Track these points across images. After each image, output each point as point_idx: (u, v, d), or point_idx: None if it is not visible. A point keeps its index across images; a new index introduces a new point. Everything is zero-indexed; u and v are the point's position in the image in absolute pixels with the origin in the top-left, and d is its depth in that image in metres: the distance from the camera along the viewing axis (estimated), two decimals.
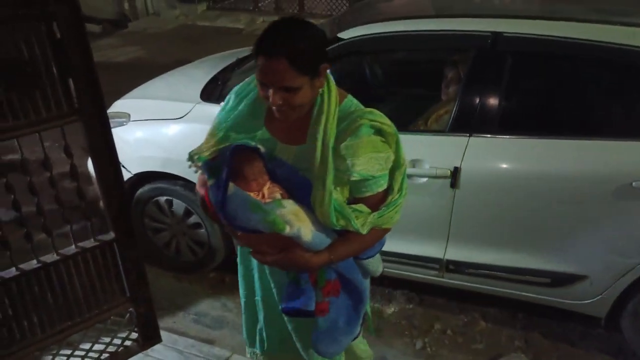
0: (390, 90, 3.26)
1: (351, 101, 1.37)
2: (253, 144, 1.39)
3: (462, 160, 2.22)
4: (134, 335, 1.84)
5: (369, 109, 1.33)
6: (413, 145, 2.33)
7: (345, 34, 2.45)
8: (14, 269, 1.50)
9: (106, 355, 1.81)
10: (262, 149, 1.38)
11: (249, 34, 8.04)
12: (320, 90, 1.29)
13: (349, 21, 2.66)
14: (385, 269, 2.57)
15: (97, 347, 1.81)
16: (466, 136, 2.24)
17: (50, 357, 1.75)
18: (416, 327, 2.60)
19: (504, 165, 2.24)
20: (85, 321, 1.66)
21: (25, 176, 1.45)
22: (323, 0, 8.86)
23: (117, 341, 1.83)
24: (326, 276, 1.44)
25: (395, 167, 1.36)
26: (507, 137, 2.25)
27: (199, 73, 3.22)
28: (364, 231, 1.33)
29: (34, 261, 1.53)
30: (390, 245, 2.49)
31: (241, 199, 1.31)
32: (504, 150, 2.25)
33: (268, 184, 1.37)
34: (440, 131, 2.40)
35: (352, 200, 1.37)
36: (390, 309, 2.71)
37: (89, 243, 1.60)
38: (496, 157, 2.25)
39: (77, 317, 1.63)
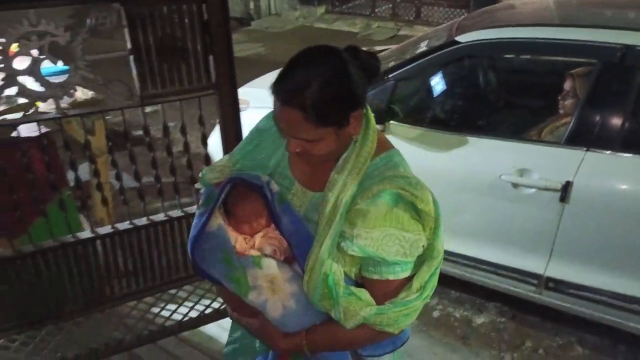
0: (503, 98, 3.19)
1: (391, 158, 1.08)
2: (265, 179, 1.15)
3: (575, 175, 2.12)
4: (216, 304, 2.00)
5: (408, 175, 1.04)
6: (523, 154, 2.28)
7: (463, 38, 2.45)
8: (145, 218, 1.71)
9: (188, 317, 1.99)
10: (273, 187, 1.15)
11: (363, 38, 8.22)
12: (354, 137, 1.05)
13: (468, 25, 2.65)
14: (479, 279, 2.55)
15: (182, 309, 2.00)
16: (583, 150, 2.14)
17: (146, 307, 1.95)
18: (506, 341, 2.51)
19: (622, 184, 2.11)
20: (182, 279, 1.84)
21: (165, 138, 1.66)
22: (440, 9, 8.77)
23: (201, 307, 2.00)
24: None
25: (426, 258, 1.05)
26: (630, 155, 2.11)
27: None
28: (348, 325, 1.04)
29: (162, 214, 1.73)
30: (487, 254, 2.49)
31: (217, 242, 1.10)
32: (625, 169, 2.12)
33: (265, 232, 1.14)
34: (555, 143, 2.31)
35: (361, 281, 1.10)
36: (480, 319, 2.65)
37: None
38: (614, 174, 2.12)
39: (176, 275, 1.82)
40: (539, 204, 2.23)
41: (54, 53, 1.42)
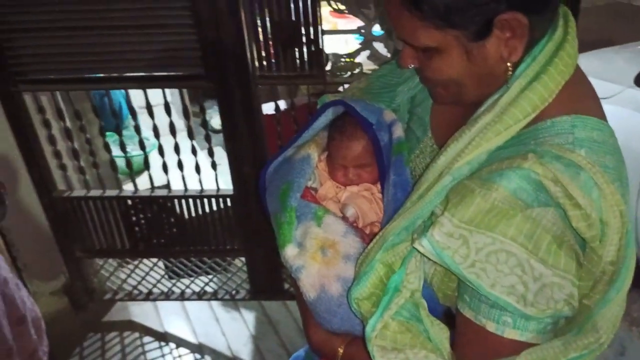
0: None
1: (578, 125, 0.62)
2: (390, 117, 0.81)
3: None
4: None
5: (581, 164, 0.58)
6: None
7: None
8: None
9: None
10: (396, 131, 0.79)
11: None
12: (511, 69, 0.63)
13: None
14: None
15: None
16: None
17: None
18: None
19: None
20: None
21: None
22: None
23: None
24: None
25: (571, 328, 0.60)
26: None
27: (638, 56, 2.94)
28: (376, 356, 0.65)
29: None
30: None
31: (289, 171, 0.83)
32: None
33: (363, 188, 0.84)
34: None
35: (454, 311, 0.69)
36: None
37: None
38: None
39: None
40: None
41: None
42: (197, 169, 1.85)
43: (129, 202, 1.93)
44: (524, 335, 0.60)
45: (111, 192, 1.93)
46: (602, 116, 0.65)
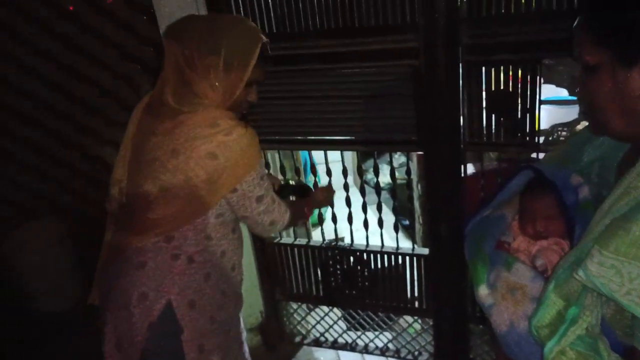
0: None
1: None
2: (577, 180, 0.95)
3: None
4: None
5: None
6: None
7: None
8: None
9: None
10: (582, 191, 0.94)
11: None
12: None
13: None
14: None
15: None
16: None
17: None
18: None
19: None
20: None
21: None
22: None
23: None
24: None
25: None
26: None
27: None
28: None
29: None
30: None
31: (487, 224, 1.04)
32: None
33: (553, 242, 0.97)
34: None
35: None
36: None
37: None
38: None
39: None
40: None
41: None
42: (396, 227, 1.96)
43: (329, 252, 2.09)
44: None
45: (315, 242, 2.11)
46: None
